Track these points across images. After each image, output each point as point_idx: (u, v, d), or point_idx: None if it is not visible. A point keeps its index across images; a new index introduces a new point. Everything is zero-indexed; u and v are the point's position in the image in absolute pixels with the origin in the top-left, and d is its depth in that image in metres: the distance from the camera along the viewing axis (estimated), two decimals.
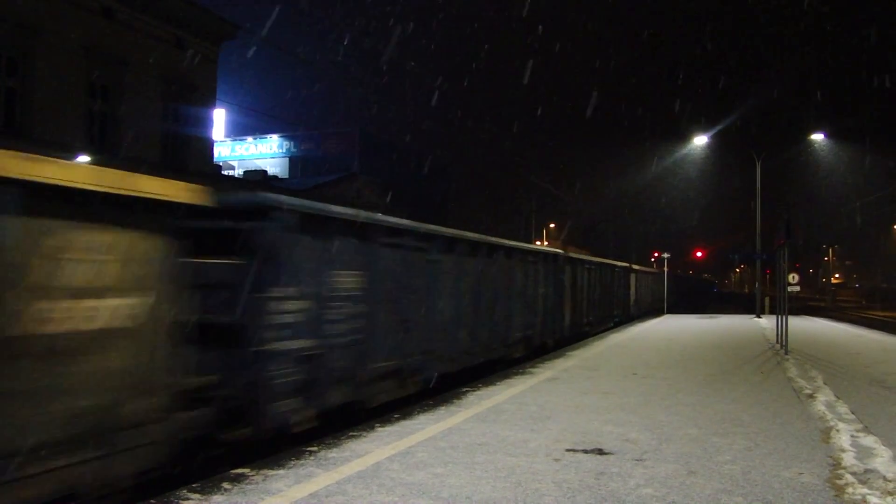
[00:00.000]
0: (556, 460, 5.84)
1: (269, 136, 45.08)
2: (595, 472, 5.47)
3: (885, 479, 5.35)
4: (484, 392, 9.35)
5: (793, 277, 20.87)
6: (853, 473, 5.50)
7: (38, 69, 17.85)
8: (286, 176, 41.35)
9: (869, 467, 5.68)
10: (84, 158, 16.75)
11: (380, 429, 6.99)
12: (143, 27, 20.82)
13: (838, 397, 9.17)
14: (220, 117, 33.64)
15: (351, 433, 6.75)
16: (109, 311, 4.29)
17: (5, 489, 3.69)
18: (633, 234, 73.15)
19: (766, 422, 7.58)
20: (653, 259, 62.72)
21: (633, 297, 28.81)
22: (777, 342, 16.76)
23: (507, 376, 10.93)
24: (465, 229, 11.47)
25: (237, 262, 5.93)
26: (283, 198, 6.42)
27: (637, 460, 5.86)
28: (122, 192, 4.34)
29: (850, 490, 5.08)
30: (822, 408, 8.39)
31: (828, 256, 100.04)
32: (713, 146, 38.72)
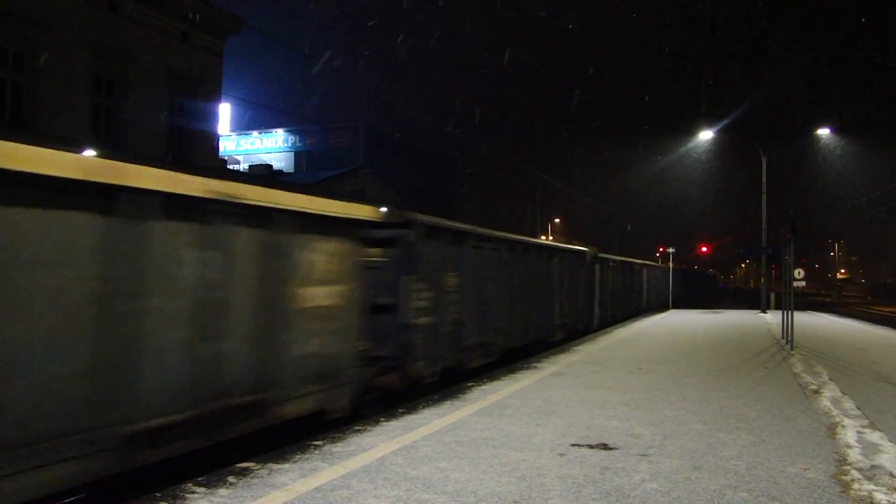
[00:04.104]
0: (561, 455, 5.84)
1: (274, 130, 45.10)
2: (600, 467, 5.47)
3: (891, 475, 5.33)
4: (489, 387, 9.36)
5: (798, 273, 20.78)
6: (859, 469, 5.48)
7: (44, 64, 17.88)
8: (291, 170, 41.37)
9: (875, 463, 5.66)
10: (90, 152, 16.76)
11: (384, 423, 7.00)
12: (148, 21, 20.82)
13: (844, 393, 9.15)
14: (225, 111, 33.65)
15: (356, 427, 6.76)
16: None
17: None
18: (638, 229, 73.01)
19: (771, 417, 7.57)
20: (658, 254, 62.65)
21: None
22: (783, 337, 16.72)
23: (511, 371, 10.93)
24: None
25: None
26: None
27: (642, 455, 5.85)
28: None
29: (855, 486, 5.06)
30: (828, 403, 8.37)
31: (833, 251, 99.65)
32: (719, 141, 38.51)
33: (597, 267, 20.60)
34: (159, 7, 21.23)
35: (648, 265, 35.32)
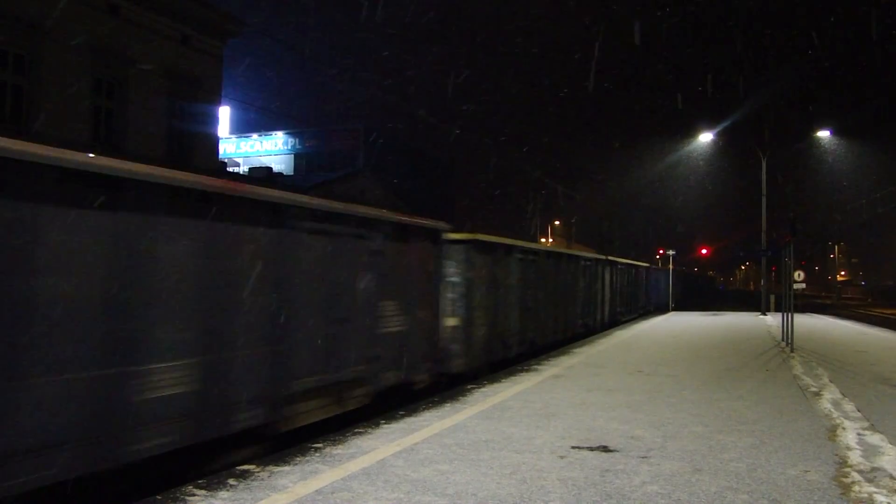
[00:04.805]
0: (562, 457, 5.83)
1: (274, 132, 45.17)
2: (600, 470, 5.47)
3: (891, 477, 5.33)
4: (489, 389, 9.35)
5: (798, 275, 20.78)
6: (860, 472, 5.48)
7: (44, 66, 17.91)
8: (291, 173, 41.41)
9: (876, 465, 5.66)
10: (91, 155, 16.75)
11: (385, 426, 7.00)
12: (148, 24, 20.86)
13: (844, 395, 9.15)
14: (225, 114, 33.68)
15: (356, 430, 6.76)
16: None
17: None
18: (638, 231, 73.06)
19: (771, 419, 7.57)
20: (658, 256, 62.68)
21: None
22: (783, 339, 16.72)
23: (512, 373, 10.93)
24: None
25: None
26: None
27: (642, 457, 5.85)
28: None
29: (856, 488, 5.06)
30: (828, 405, 8.37)
31: (833, 253, 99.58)
32: (719, 143, 38.53)
33: (474, 259, 11.08)
34: (159, 10, 21.28)
35: (617, 263, 24.35)
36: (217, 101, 24.70)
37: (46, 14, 17.96)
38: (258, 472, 5.31)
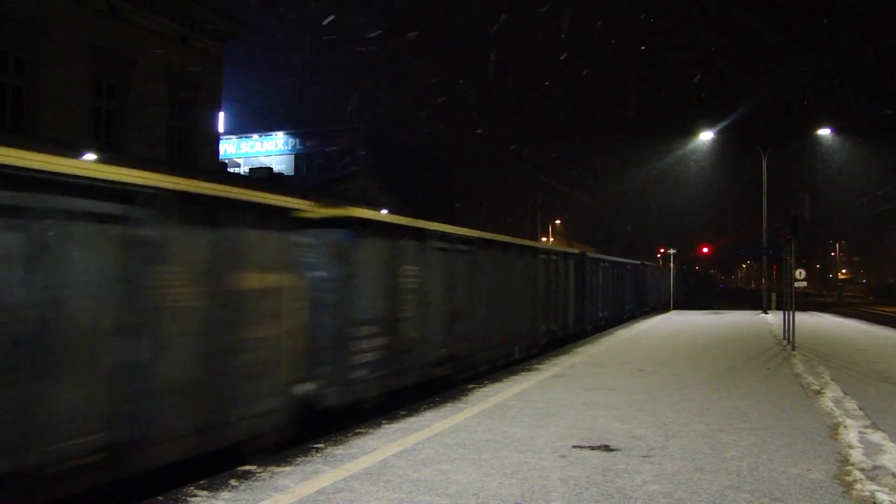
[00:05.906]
0: (563, 457, 5.83)
1: (274, 133, 45.16)
2: (602, 469, 5.46)
3: (893, 475, 5.32)
4: (490, 389, 9.36)
5: (800, 273, 20.75)
6: (861, 470, 5.48)
7: (44, 68, 17.92)
8: (291, 173, 41.43)
9: (877, 464, 5.66)
10: (90, 156, 16.77)
11: (386, 426, 7.00)
12: (148, 25, 20.87)
13: (846, 393, 9.14)
14: (225, 114, 33.68)
15: (357, 430, 6.76)
16: None
17: None
18: (640, 230, 73.08)
19: (773, 418, 7.56)
20: (659, 255, 62.68)
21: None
22: (784, 338, 16.71)
23: (512, 373, 10.94)
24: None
25: None
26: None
27: (644, 457, 5.85)
28: None
29: (858, 486, 5.06)
30: (830, 404, 8.36)
31: (834, 252, 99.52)
32: (719, 141, 38.51)
33: None
34: (159, 10, 21.29)
35: (494, 244, 11.76)
36: (217, 101, 24.72)
37: (46, 15, 17.97)
38: (259, 472, 5.32)
